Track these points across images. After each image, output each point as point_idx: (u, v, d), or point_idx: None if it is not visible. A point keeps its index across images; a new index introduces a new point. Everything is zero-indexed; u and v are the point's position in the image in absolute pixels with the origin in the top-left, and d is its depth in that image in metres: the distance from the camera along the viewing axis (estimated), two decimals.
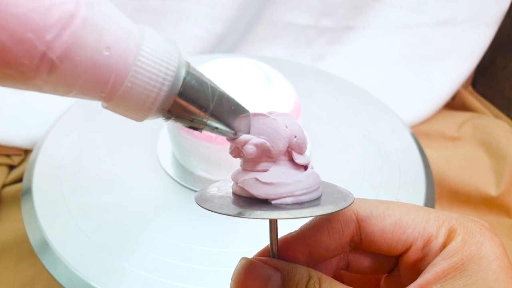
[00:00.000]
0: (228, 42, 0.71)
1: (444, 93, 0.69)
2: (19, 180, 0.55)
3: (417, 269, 0.19)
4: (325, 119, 0.50)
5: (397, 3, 0.68)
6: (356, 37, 0.71)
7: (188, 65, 0.16)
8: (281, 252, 0.19)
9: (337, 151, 0.46)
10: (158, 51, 0.15)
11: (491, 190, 0.55)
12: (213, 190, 0.19)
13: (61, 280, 0.34)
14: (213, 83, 0.17)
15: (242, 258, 0.18)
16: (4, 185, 0.55)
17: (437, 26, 0.69)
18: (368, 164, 0.45)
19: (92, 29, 0.13)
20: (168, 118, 0.16)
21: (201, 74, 0.16)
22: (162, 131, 0.48)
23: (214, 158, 0.40)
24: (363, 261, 0.21)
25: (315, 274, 0.18)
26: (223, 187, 0.19)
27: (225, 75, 0.41)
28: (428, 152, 0.50)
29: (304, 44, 0.72)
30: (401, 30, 0.70)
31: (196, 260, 0.34)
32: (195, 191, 0.41)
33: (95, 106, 0.53)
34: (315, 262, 0.20)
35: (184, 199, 0.41)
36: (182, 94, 0.15)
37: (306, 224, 0.20)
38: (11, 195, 0.54)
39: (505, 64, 0.71)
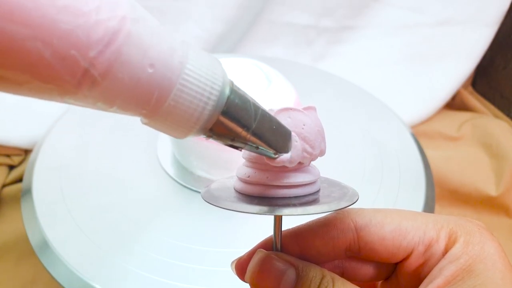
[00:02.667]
0: (228, 42, 0.71)
1: (444, 93, 0.69)
2: (19, 180, 0.55)
3: (417, 274, 0.19)
4: (325, 119, 0.49)
5: (397, 3, 0.68)
6: (356, 37, 0.71)
7: (232, 83, 0.16)
8: (270, 248, 0.19)
9: (337, 151, 0.46)
10: (203, 70, 0.14)
11: (491, 190, 0.55)
12: (216, 190, 0.19)
13: (61, 280, 0.34)
14: (255, 101, 0.16)
15: (259, 251, 0.18)
16: (4, 185, 0.55)
17: (437, 26, 0.69)
18: (368, 164, 0.45)
19: (136, 46, 0.13)
20: (209, 136, 0.16)
21: (245, 93, 0.16)
22: None
23: (214, 158, 0.40)
24: (360, 269, 0.20)
25: (329, 273, 0.17)
26: (225, 184, 0.19)
27: None
28: (428, 152, 0.50)
29: (304, 44, 0.72)
30: (401, 30, 0.70)
31: (196, 260, 0.34)
32: (195, 191, 0.41)
33: None
34: None
35: (184, 199, 0.41)
36: (226, 112, 0.15)
37: (302, 224, 0.20)
38: (11, 195, 0.54)
39: (505, 64, 0.71)
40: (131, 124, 0.49)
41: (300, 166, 0.18)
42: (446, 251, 0.18)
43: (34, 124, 0.58)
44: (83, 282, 0.33)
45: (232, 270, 0.20)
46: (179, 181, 0.42)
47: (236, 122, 0.15)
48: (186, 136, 0.15)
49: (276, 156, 0.17)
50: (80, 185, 0.42)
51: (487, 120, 0.66)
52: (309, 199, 0.17)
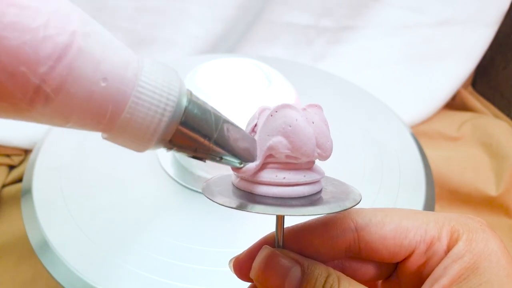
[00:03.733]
0: (228, 42, 0.71)
1: (444, 93, 0.69)
2: (19, 180, 0.55)
3: (419, 273, 0.19)
4: None
5: (397, 3, 0.68)
6: (356, 37, 0.71)
7: (190, 93, 0.16)
8: (274, 245, 0.19)
9: (337, 151, 0.46)
10: (158, 81, 0.14)
11: (491, 190, 0.55)
12: (215, 187, 0.19)
13: (61, 280, 0.34)
14: (216, 111, 0.16)
15: (265, 247, 0.18)
16: (4, 185, 0.55)
17: (437, 26, 0.69)
18: (368, 164, 0.45)
19: (88, 60, 0.13)
20: (170, 148, 0.16)
21: (204, 102, 0.16)
22: None
23: None
24: (360, 269, 0.20)
25: (334, 272, 0.17)
26: (222, 180, 0.19)
27: (225, 75, 0.41)
28: (428, 152, 0.50)
29: (304, 44, 0.72)
30: (401, 30, 0.70)
31: (196, 260, 0.34)
32: (195, 191, 0.41)
33: None
34: None
35: (184, 199, 0.41)
36: (184, 123, 0.15)
37: (301, 222, 0.19)
38: (11, 195, 0.54)
39: (505, 64, 0.71)
40: None
41: (304, 165, 0.18)
42: (448, 249, 0.18)
43: (34, 124, 0.58)
44: (83, 282, 0.33)
45: (230, 268, 0.20)
46: (179, 181, 0.42)
47: (196, 132, 0.15)
48: (146, 149, 0.15)
49: (242, 165, 0.17)
50: (80, 185, 0.42)
51: (487, 120, 0.66)
52: (311, 199, 0.17)
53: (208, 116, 0.16)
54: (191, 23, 0.68)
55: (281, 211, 0.16)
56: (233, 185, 0.18)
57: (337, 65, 0.71)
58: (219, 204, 0.16)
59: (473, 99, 0.72)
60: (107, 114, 0.14)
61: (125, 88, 0.14)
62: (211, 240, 0.36)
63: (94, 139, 0.48)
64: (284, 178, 0.17)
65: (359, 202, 0.17)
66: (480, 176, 0.57)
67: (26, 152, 0.60)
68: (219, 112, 0.16)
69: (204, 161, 0.16)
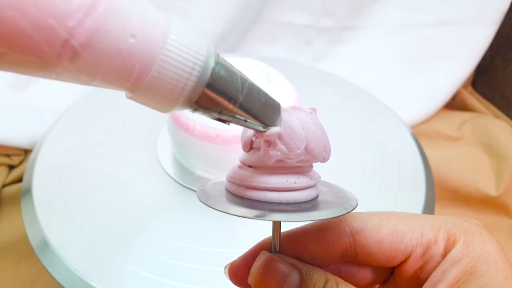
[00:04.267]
0: (228, 42, 0.71)
1: (444, 93, 0.69)
2: (19, 180, 0.55)
3: (416, 277, 0.18)
4: (325, 119, 0.49)
5: (397, 3, 0.68)
6: (356, 37, 0.71)
7: (218, 55, 0.15)
8: (268, 251, 0.19)
9: (337, 151, 0.46)
10: (186, 40, 0.14)
11: (491, 190, 0.55)
12: (211, 190, 0.19)
13: (61, 280, 0.34)
14: (243, 74, 0.16)
15: (263, 253, 0.18)
16: (4, 185, 0.55)
17: (437, 26, 0.69)
18: (368, 164, 0.45)
19: (116, 16, 0.13)
20: (195, 109, 0.15)
21: (231, 65, 0.16)
22: (162, 131, 0.48)
23: (214, 158, 0.40)
24: (356, 274, 0.20)
25: (332, 277, 0.17)
26: (219, 185, 0.19)
27: None
28: (428, 152, 0.50)
29: (304, 44, 0.72)
30: (401, 30, 0.69)
31: (196, 260, 0.34)
32: (195, 191, 0.41)
33: (95, 106, 0.53)
34: None
35: (184, 199, 0.41)
36: (211, 85, 0.15)
37: (296, 227, 0.19)
38: (11, 195, 0.54)
39: (505, 64, 0.71)
40: (131, 124, 0.49)
41: (299, 170, 0.17)
42: (445, 252, 0.17)
43: (34, 124, 0.58)
44: (83, 282, 0.33)
45: (225, 275, 0.20)
46: (179, 181, 0.42)
47: (222, 94, 0.15)
48: (172, 109, 0.15)
49: (265, 129, 0.17)
50: (80, 185, 0.42)
51: (487, 120, 0.66)
52: (307, 206, 0.17)
53: (234, 79, 0.15)
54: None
55: (274, 216, 0.16)
56: (230, 191, 0.18)
57: (337, 65, 0.71)
58: (237, 215, 0.16)
59: (473, 99, 0.72)
60: (134, 72, 0.13)
61: (154, 46, 0.13)
62: (211, 240, 0.36)
63: (94, 139, 0.48)
64: (295, 182, 0.17)
65: (355, 208, 0.17)
66: (480, 176, 0.57)
67: (26, 152, 0.60)
68: (245, 76, 0.16)
69: (229, 124, 0.16)
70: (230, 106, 0.15)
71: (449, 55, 0.69)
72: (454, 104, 0.73)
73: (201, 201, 0.17)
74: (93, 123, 0.50)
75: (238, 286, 0.19)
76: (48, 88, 0.61)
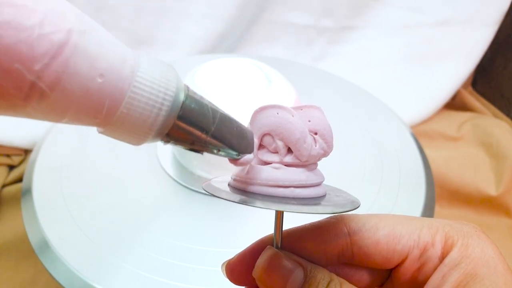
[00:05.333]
0: (228, 42, 0.71)
1: (444, 93, 0.69)
2: (19, 180, 0.55)
3: (413, 279, 0.18)
4: None
5: (397, 3, 0.68)
6: (356, 37, 0.71)
7: (187, 88, 0.16)
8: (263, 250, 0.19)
9: (337, 151, 0.46)
10: (155, 76, 0.14)
11: (491, 190, 0.55)
12: (216, 183, 0.19)
13: (61, 280, 0.34)
14: (213, 105, 0.16)
15: (269, 248, 0.18)
16: (4, 185, 0.55)
17: (437, 26, 0.69)
18: (368, 164, 0.45)
19: (83, 57, 0.13)
20: (167, 141, 0.16)
21: (201, 97, 0.16)
22: None
23: (214, 158, 0.40)
24: (353, 276, 0.20)
25: (336, 277, 0.17)
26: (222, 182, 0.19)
27: (225, 75, 0.41)
28: (428, 152, 0.50)
29: (304, 44, 0.72)
30: (401, 30, 0.69)
31: (196, 260, 0.34)
32: (195, 191, 0.41)
33: None
34: None
35: (184, 199, 0.41)
36: (182, 117, 0.15)
37: (294, 227, 0.19)
38: (11, 195, 0.54)
39: (505, 64, 0.71)
40: None
41: (313, 166, 0.18)
42: (443, 255, 0.17)
43: (34, 124, 0.58)
44: (83, 282, 0.33)
45: (222, 272, 0.20)
46: (179, 181, 0.42)
47: (193, 126, 0.15)
48: (143, 142, 0.15)
49: (239, 157, 0.17)
50: (80, 185, 0.42)
51: (487, 120, 0.66)
52: (309, 202, 0.17)
53: (205, 110, 0.16)
54: (191, 23, 0.68)
55: (279, 207, 0.16)
56: (237, 188, 0.19)
57: (337, 65, 0.71)
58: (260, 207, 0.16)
59: (473, 99, 0.72)
60: (103, 109, 0.14)
61: (122, 84, 0.14)
62: (211, 240, 0.36)
63: (94, 139, 0.47)
64: (306, 179, 0.17)
65: (357, 207, 0.17)
66: (480, 176, 0.57)
67: (26, 152, 0.60)
68: (216, 106, 0.16)
69: (202, 154, 0.17)
70: (203, 136, 0.16)
71: (449, 55, 0.69)
72: (454, 104, 0.73)
73: (208, 191, 0.18)
74: None
75: (235, 284, 0.20)
76: None
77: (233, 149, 0.17)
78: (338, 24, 0.70)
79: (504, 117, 0.68)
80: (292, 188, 0.17)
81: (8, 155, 0.58)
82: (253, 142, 0.17)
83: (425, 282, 0.18)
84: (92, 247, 0.35)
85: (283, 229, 0.19)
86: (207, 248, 0.35)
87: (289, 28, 0.71)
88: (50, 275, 0.34)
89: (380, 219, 0.19)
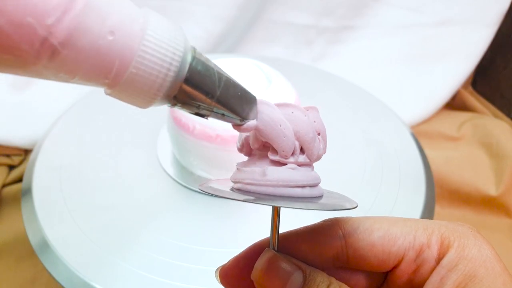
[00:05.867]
0: (228, 42, 0.71)
1: (444, 93, 0.69)
2: (19, 180, 0.55)
3: (409, 282, 0.18)
4: (325, 119, 0.49)
5: (397, 3, 0.68)
6: (356, 37, 0.71)
7: (194, 50, 0.15)
8: (260, 254, 0.18)
9: (337, 151, 0.46)
10: (164, 36, 0.14)
11: (491, 190, 0.55)
12: (215, 184, 0.19)
13: (61, 280, 0.34)
14: (219, 68, 0.16)
15: (267, 250, 0.18)
16: (4, 185, 0.55)
17: (437, 26, 0.69)
18: (368, 164, 0.45)
19: (95, 13, 0.13)
20: (173, 104, 0.16)
21: (207, 59, 0.16)
22: (162, 131, 0.48)
23: (214, 158, 0.40)
24: (349, 280, 0.20)
25: (336, 281, 0.17)
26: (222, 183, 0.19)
27: None
28: (428, 152, 0.50)
29: (304, 44, 0.72)
30: (401, 30, 0.69)
31: (195, 260, 0.34)
32: (195, 191, 0.41)
33: (95, 106, 0.53)
34: None
35: (184, 199, 0.41)
36: (189, 80, 0.15)
37: (289, 230, 0.19)
38: (11, 195, 0.54)
39: (505, 64, 0.71)
40: (131, 124, 0.49)
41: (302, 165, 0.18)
42: (439, 256, 0.17)
43: (34, 124, 0.58)
44: (83, 282, 0.33)
45: (216, 278, 0.19)
46: (179, 181, 0.42)
47: (200, 89, 0.15)
48: (150, 105, 0.15)
49: (242, 122, 0.17)
50: (80, 185, 0.42)
51: (487, 120, 0.66)
52: (308, 200, 0.17)
53: (211, 73, 0.16)
54: (191, 23, 0.68)
55: (275, 203, 0.16)
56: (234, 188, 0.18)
57: (337, 65, 0.71)
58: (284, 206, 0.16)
59: (473, 99, 0.72)
60: (113, 68, 0.14)
61: (132, 42, 0.14)
62: (210, 240, 0.36)
63: (94, 139, 0.48)
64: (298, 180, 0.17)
65: (355, 207, 0.17)
66: (480, 176, 0.57)
67: (26, 152, 0.60)
68: (221, 70, 0.16)
69: (207, 118, 0.17)
70: (208, 100, 0.16)
71: (449, 55, 0.69)
72: (454, 104, 0.73)
73: (207, 192, 0.17)
74: (93, 123, 0.50)
75: None
76: (48, 88, 0.61)
77: (237, 114, 0.16)
78: (338, 24, 0.70)
79: (504, 117, 0.68)
80: (308, 188, 0.17)
81: (8, 155, 0.58)
82: (256, 108, 0.17)
83: (421, 284, 0.18)
84: (92, 247, 0.35)
85: (280, 233, 0.19)
86: (207, 248, 0.35)
87: (289, 28, 0.71)
88: (50, 275, 0.34)
89: (375, 221, 0.19)
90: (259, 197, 0.17)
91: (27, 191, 0.41)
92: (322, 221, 0.19)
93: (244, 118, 0.17)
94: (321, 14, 0.69)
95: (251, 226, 0.38)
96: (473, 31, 0.67)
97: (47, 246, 0.36)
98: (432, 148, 0.60)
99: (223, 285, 0.19)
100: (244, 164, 0.18)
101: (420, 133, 0.65)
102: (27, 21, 0.12)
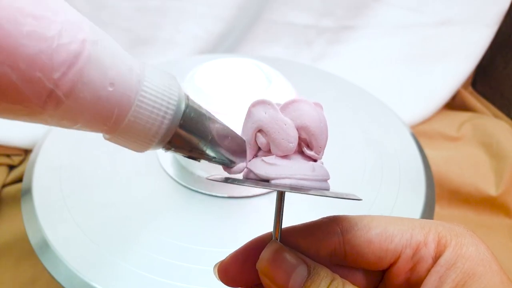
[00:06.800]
0: (228, 42, 0.71)
1: (444, 93, 0.69)
2: (19, 180, 0.55)
3: (407, 280, 0.18)
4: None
5: (397, 3, 0.68)
6: (356, 37, 0.71)
7: (187, 97, 0.17)
8: (259, 249, 0.19)
9: (337, 151, 0.46)
10: (159, 86, 0.15)
11: (491, 190, 0.55)
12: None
13: (61, 280, 0.34)
14: (210, 114, 0.17)
15: (273, 242, 0.18)
16: (4, 185, 0.55)
17: (437, 26, 0.69)
18: (368, 164, 0.45)
19: (96, 67, 0.14)
20: (168, 149, 0.17)
21: (199, 106, 0.17)
22: None
23: None
24: (346, 278, 0.19)
25: (339, 277, 0.17)
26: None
27: (225, 75, 0.41)
28: (428, 152, 0.50)
29: (304, 44, 0.72)
30: (401, 30, 0.70)
31: (195, 260, 0.34)
32: (195, 191, 0.41)
33: None
34: None
35: (184, 199, 0.41)
36: (183, 125, 0.16)
37: (287, 226, 0.19)
38: (11, 195, 0.54)
39: (505, 64, 0.71)
40: None
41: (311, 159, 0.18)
42: (436, 255, 0.17)
43: (34, 124, 0.58)
44: (83, 282, 0.33)
45: (214, 274, 0.20)
46: (179, 181, 0.42)
47: (193, 134, 0.16)
48: (147, 149, 0.16)
49: (232, 165, 0.18)
50: (80, 185, 0.42)
51: (487, 120, 0.66)
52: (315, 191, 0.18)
53: (203, 119, 0.17)
54: (191, 23, 0.68)
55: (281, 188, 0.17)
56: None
57: (337, 65, 0.71)
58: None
59: (473, 99, 0.72)
60: (113, 117, 0.15)
61: (130, 93, 0.15)
62: (210, 240, 0.36)
63: (94, 139, 0.48)
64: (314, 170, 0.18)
65: (360, 200, 0.17)
66: (480, 176, 0.57)
67: (26, 152, 0.60)
68: (212, 115, 0.17)
69: (199, 161, 0.18)
70: (200, 144, 0.17)
71: (449, 55, 0.69)
72: (454, 104, 0.73)
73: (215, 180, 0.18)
74: None
75: (228, 285, 0.20)
76: None
77: (227, 157, 0.18)
78: (338, 24, 0.70)
79: (504, 117, 0.68)
80: (328, 181, 0.18)
81: (8, 155, 0.58)
82: (245, 151, 0.18)
83: (418, 283, 0.18)
84: (92, 247, 0.35)
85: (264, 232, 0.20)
86: (207, 248, 0.35)
87: (289, 28, 0.71)
88: (50, 275, 0.34)
89: (373, 218, 0.19)
90: (311, 190, 0.18)
91: (27, 191, 0.41)
92: (321, 218, 0.20)
93: (233, 162, 0.18)
94: (321, 14, 0.69)
95: (251, 226, 0.38)
96: (473, 31, 0.67)
97: (47, 246, 0.36)
98: (432, 148, 0.60)
99: (222, 280, 0.19)
100: (273, 159, 0.18)
101: (420, 133, 0.65)
102: (37, 76, 0.13)
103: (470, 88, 0.77)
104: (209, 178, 0.18)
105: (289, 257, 0.18)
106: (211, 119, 0.17)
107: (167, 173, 0.43)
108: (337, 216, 0.19)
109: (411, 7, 0.68)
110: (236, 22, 0.68)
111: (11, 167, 0.58)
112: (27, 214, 0.39)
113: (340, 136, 0.49)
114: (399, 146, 0.48)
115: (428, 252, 0.18)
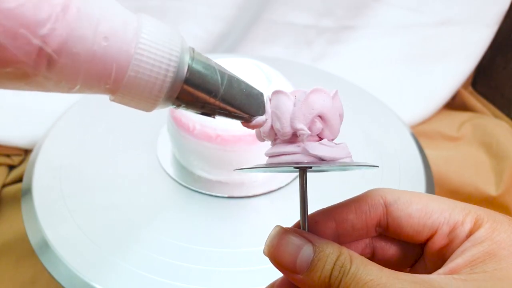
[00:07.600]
0: (228, 42, 0.71)
1: (444, 93, 0.69)
2: (19, 180, 0.55)
3: (442, 255, 0.19)
4: None
5: (397, 3, 0.68)
6: (356, 37, 0.71)
7: (193, 50, 0.16)
8: (310, 227, 0.19)
9: None
10: (158, 38, 0.14)
11: (491, 190, 0.55)
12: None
13: (61, 280, 0.34)
14: (221, 67, 0.16)
15: (277, 226, 0.19)
16: (4, 185, 0.55)
17: (437, 26, 0.69)
18: None
19: (87, 20, 0.13)
20: (178, 105, 0.16)
21: (208, 59, 0.16)
22: (162, 131, 0.48)
23: (214, 158, 0.40)
24: (389, 250, 0.21)
25: (347, 251, 0.18)
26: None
27: None
28: (428, 152, 0.50)
29: (304, 44, 0.72)
30: (401, 30, 0.70)
31: (196, 260, 0.34)
32: (195, 191, 0.41)
33: (95, 106, 0.53)
34: (341, 241, 0.20)
35: (184, 199, 0.41)
36: (189, 80, 0.15)
37: (335, 203, 0.21)
38: (11, 195, 0.54)
39: (505, 64, 0.71)
40: (131, 124, 0.49)
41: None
42: (470, 234, 0.18)
43: (34, 124, 0.58)
44: (83, 282, 0.33)
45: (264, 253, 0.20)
46: (179, 181, 0.42)
47: (202, 89, 0.15)
48: (154, 108, 0.15)
49: (251, 119, 0.17)
50: (80, 185, 0.42)
51: (487, 120, 0.66)
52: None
53: (213, 73, 0.16)
54: (191, 23, 0.68)
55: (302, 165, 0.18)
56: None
57: (337, 65, 0.71)
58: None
59: (473, 99, 0.72)
60: (112, 73, 0.14)
61: (127, 46, 0.14)
62: (210, 240, 0.36)
63: (94, 139, 0.48)
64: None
65: (378, 167, 0.18)
66: (480, 176, 0.57)
67: (26, 152, 0.60)
68: (224, 68, 0.16)
69: (214, 117, 0.17)
70: (212, 99, 0.16)
71: (449, 55, 0.69)
72: (454, 104, 0.73)
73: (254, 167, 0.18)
74: (93, 123, 0.50)
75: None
76: None
77: (244, 111, 0.17)
78: (338, 24, 0.70)
79: (504, 117, 0.68)
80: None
81: (8, 155, 0.58)
82: (263, 103, 0.17)
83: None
84: (92, 247, 0.35)
85: (324, 208, 0.21)
86: (207, 248, 0.35)
87: (289, 28, 0.71)
88: (50, 275, 0.34)
89: (415, 195, 0.20)
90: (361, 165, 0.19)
91: (27, 191, 0.41)
92: (366, 191, 0.21)
93: (252, 115, 0.17)
94: (321, 14, 0.69)
95: (251, 226, 0.38)
96: (473, 31, 0.67)
97: (47, 246, 0.36)
98: (432, 148, 0.60)
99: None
100: (329, 142, 0.20)
101: (420, 133, 0.65)
102: (21, 32, 0.12)
103: (470, 88, 0.77)
104: (247, 168, 0.18)
105: (294, 238, 0.18)
106: (223, 71, 0.16)
107: (167, 173, 0.43)
108: (381, 189, 0.20)
109: (411, 7, 0.68)
110: (236, 22, 0.68)
111: (11, 167, 0.58)
112: (27, 214, 0.39)
113: (340, 136, 0.49)
114: (399, 146, 0.48)
115: (463, 230, 0.18)
